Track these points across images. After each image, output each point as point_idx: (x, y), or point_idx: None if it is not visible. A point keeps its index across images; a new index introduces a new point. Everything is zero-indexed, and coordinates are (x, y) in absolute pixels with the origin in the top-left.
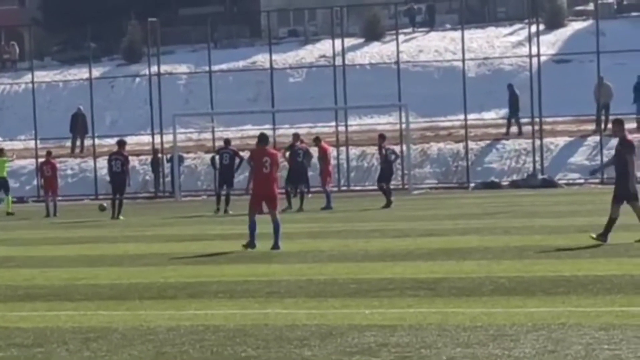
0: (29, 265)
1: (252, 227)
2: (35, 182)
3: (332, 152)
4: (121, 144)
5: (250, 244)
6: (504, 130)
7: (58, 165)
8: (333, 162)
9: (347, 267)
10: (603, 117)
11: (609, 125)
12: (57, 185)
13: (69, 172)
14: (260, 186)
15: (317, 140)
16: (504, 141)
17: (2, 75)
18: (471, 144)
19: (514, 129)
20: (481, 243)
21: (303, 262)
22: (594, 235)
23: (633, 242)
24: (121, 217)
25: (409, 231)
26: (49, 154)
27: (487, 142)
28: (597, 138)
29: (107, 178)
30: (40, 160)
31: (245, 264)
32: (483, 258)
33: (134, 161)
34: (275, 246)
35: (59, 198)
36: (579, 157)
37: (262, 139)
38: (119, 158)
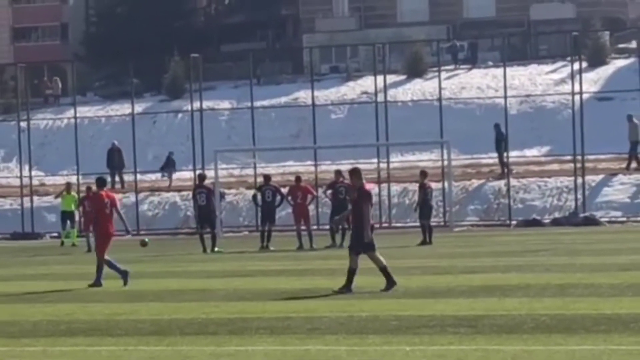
0: (70, 300)
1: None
2: (77, 218)
3: (374, 189)
4: (202, 177)
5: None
6: (546, 167)
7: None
8: (375, 199)
9: (388, 304)
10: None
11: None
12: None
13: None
14: None
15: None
16: (545, 178)
17: (45, 110)
18: (513, 182)
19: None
20: (522, 280)
21: (344, 298)
22: (336, 289)
23: None
24: (216, 249)
25: (449, 268)
26: (89, 189)
27: (530, 179)
28: (639, 176)
29: (189, 213)
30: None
31: (286, 301)
32: (524, 295)
33: (174, 197)
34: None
35: None
36: (621, 195)
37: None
38: (203, 191)
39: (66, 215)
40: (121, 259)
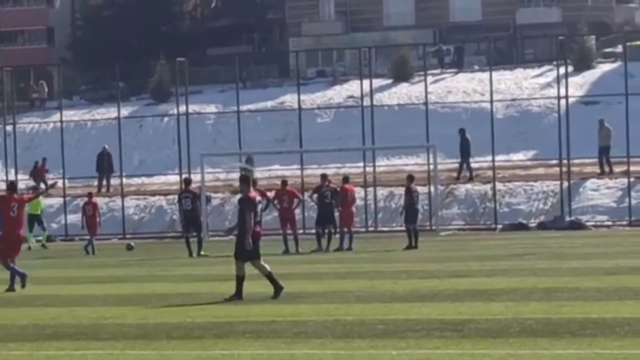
0: (56, 304)
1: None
2: (62, 221)
3: (359, 192)
4: (188, 182)
5: None
6: (532, 171)
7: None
8: (360, 202)
9: (374, 308)
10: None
11: (612, 169)
12: (96, 224)
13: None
14: None
15: (345, 180)
16: (531, 182)
17: (31, 114)
18: (499, 185)
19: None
20: (508, 284)
21: (330, 302)
22: (228, 297)
23: None
24: (202, 253)
25: (436, 272)
26: (90, 194)
27: (516, 183)
28: (625, 180)
29: (175, 217)
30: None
31: (272, 304)
32: (510, 300)
33: (161, 201)
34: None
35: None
36: (607, 199)
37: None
38: (188, 195)
39: (33, 219)
40: (106, 263)
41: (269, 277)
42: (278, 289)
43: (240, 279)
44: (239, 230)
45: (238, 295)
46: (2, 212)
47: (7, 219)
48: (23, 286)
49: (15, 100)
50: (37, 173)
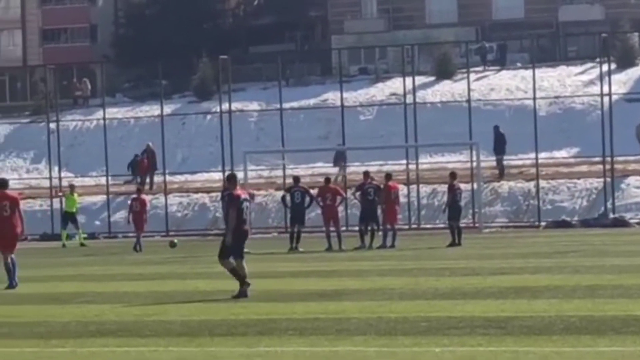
0: (99, 301)
1: None
2: (105, 219)
3: (402, 190)
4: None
5: None
6: (575, 169)
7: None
8: (403, 199)
9: (418, 305)
10: None
11: None
12: (143, 221)
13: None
14: None
15: (388, 178)
16: (574, 180)
17: (74, 112)
18: (542, 183)
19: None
20: (551, 282)
21: (373, 299)
22: (236, 293)
23: None
24: (245, 251)
25: (479, 269)
26: (138, 191)
27: (559, 180)
28: None
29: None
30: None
31: (315, 302)
32: (553, 297)
33: (204, 198)
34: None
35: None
36: None
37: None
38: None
39: (67, 217)
40: (149, 260)
41: (242, 279)
42: (242, 292)
43: (233, 272)
44: (225, 227)
45: (244, 285)
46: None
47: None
48: (9, 286)
49: (59, 98)
50: (137, 166)
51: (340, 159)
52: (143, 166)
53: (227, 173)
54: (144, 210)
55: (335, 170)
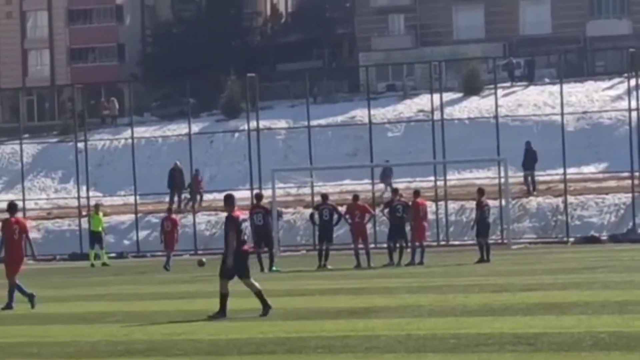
0: (128, 321)
1: None
2: (134, 238)
3: (430, 206)
4: (259, 197)
5: None
6: (603, 184)
7: (179, 221)
8: (431, 216)
9: (446, 322)
10: None
11: None
12: (174, 240)
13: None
14: None
15: (416, 194)
16: (603, 195)
17: (102, 131)
18: (570, 198)
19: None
20: (580, 298)
21: (402, 316)
22: (212, 314)
23: None
24: (274, 268)
25: (507, 286)
26: (169, 210)
27: (587, 196)
28: None
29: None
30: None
31: (344, 319)
32: (582, 313)
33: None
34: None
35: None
36: None
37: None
38: (260, 211)
39: (94, 236)
40: (178, 279)
41: (258, 295)
42: (266, 307)
43: (223, 297)
44: (224, 248)
45: (222, 313)
46: (6, 236)
47: (11, 241)
48: (32, 306)
49: (87, 118)
50: (195, 184)
51: (387, 176)
52: (197, 184)
53: (255, 191)
54: (175, 229)
55: (382, 186)
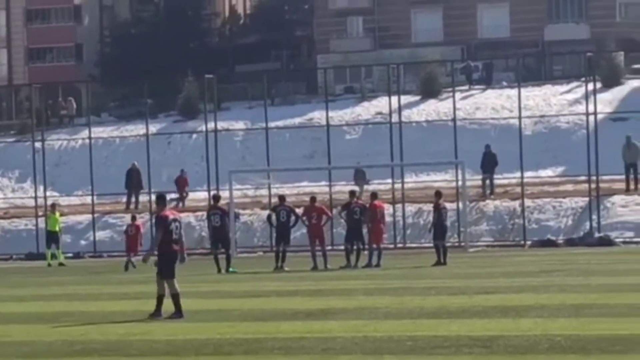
0: (84, 321)
1: None
2: (91, 238)
3: (388, 209)
4: (217, 198)
5: None
6: (560, 188)
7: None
8: (388, 219)
9: (403, 325)
10: (632, 177)
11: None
12: (137, 245)
13: (125, 227)
14: None
15: (374, 197)
16: (560, 199)
17: (60, 131)
18: (527, 202)
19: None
20: (537, 301)
21: (359, 318)
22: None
23: None
24: (231, 270)
25: (464, 289)
26: (134, 217)
27: (544, 199)
28: None
29: (204, 233)
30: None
31: (301, 321)
32: (539, 316)
33: (189, 217)
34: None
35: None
36: (636, 215)
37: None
38: (217, 212)
39: (51, 236)
40: (134, 279)
41: (175, 297)
42: (178, 312)
43: (160, 298)
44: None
45: (158, 313)
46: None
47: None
48: None
49: (44, 117)
50: (180, 182)
51: (359, 177)
52: (182, 182)
53: (212, 192)
54: (138, 235)
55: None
